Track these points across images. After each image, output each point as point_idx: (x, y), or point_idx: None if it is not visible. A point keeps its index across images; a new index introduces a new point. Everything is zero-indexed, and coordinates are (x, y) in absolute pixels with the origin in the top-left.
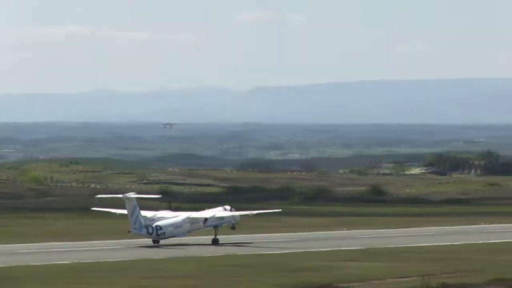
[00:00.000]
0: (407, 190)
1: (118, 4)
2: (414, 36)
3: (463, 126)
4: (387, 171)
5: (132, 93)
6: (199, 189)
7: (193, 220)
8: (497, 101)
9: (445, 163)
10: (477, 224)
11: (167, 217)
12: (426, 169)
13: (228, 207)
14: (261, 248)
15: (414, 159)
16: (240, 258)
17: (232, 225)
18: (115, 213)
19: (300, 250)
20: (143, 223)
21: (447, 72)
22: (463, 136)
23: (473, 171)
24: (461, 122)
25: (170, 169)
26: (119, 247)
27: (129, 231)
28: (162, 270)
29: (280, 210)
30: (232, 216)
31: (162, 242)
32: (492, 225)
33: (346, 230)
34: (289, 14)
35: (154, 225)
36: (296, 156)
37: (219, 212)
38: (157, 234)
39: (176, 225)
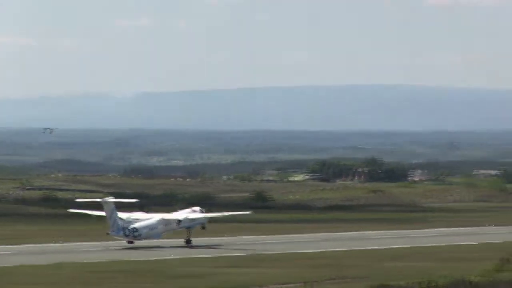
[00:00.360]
0: (291, 196)
1: (1, 9)
2: (299, 42)
3: (346, 133)
4: (270, 178)
5: (14, 99)
6: (83, 195)
7: (166, 222)
8: (380, 107)
9: (328, 170)
10: (360, 231)
11: (142, 219)
12: (310, 176)
13: (197, 209)
14: (145, 253)
15: (297, 166)
16: (127, 264)
17: (202, 226)
18: (91, 215)
19: (183, 256)
20: (121, 225)
21: (330, 79)
22: (346, 143)
23: (356, 178)
24: (344, 129)
25: (53, 175)
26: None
27: (107, 233)
28: (39, 276)
29: (250, 212)
30: (204, 218)
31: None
32: (376, 231)
33: (228, 236)
34: (172, 20)
35: (130, 227)
36: (180, 162)
37: (192, 214)
38: (134, 236)
39: (151, 227)
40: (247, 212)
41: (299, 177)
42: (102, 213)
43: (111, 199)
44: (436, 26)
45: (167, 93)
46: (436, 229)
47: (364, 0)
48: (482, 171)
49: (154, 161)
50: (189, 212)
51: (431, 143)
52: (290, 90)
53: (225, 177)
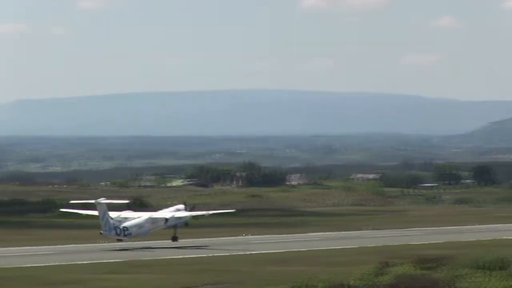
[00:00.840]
0: (169, 202)
1: None
2: (180, 49)
3: (224, 138)
4: (148, 183)
5: None
6: None
7: (154, 220)
8: (257, 112)
9: (207, 175)
10: (240, 235)
11: (131, 218)
12: (188, 181)
13: (182, 207)
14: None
15: (176, 171)
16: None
17: (186, 223)
18: (82, 214)
19: (59, 263)
20: (112, 225)
21: (211, 84)
22: (224, 148)
23: (234, 183)
24: (222, 134)
25: None
26: None
27: (101, 233)
28: None
29: (235, 210)
30: (189, 216)
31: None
32: (256, 236)
33: (107, 243)
34: (46, 27)
35: (121, 227)
36: (57, 168)
37: (178, 212)
38: (124, 235)
39: (139, 226)
40: (232, 210)
41: (177, 183)
42: (94, 213)
43: (104, 200)
44: (311, 32)
45: (43, 100)
46: (315, 233)
47: (238, 6)
48: (359, 175)
49: (32, 167)
50: (175, 211)
51: (309, 147)
52: (169, 96)
53: (103, 183)
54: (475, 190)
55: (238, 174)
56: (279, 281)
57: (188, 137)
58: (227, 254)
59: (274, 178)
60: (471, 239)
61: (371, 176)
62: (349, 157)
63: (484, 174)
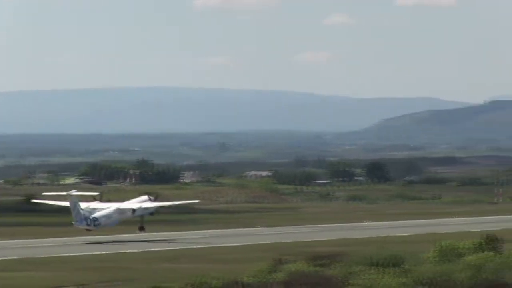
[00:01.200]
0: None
1: None
2: (76, 45)
3: (119, 136)
4: (42, 181)
5: None
6: None
7: (122, 211)
8: (151, 109)
9: (100, 172)
10: (135, 233)
11: (99, 208)
12: (81, 179)
13: (146, 197)
14: None
15: (69, 169)
16: None
17: (152, 213)
18: (53, 205)
19: None
20: (83, 216)
21: (101, 82)
22: (117, 145)
23: (128, 180)
24: (117, 132)
25: None
26: None
27: (72, 223)
28: None
29: (199, 201)
30: (155, 206)
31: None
32: (149, 233)
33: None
34: None
35: (91, 217)
36: None
37: (145, 203)
38: (94, 225)
39: (108, 216)
40: (196, 201)
41: (70, 180)
42: (65, 204)
43: (75, 193)
44: (205, 30)
45: None
46: (209, 231)
47: (131, 2)
48: (253, 172)
49: None
50: (141, 201)
51: (203, 145)
52: (64, 93)
53: None
54: (368, 187)
55: (131, 171)
56: (172, 279)
57: (83, 135)
58: (123, 251)
59: (167, 176)
60: (364, 236)
61: (264, 173)
62: (243, 155)
63: (377, 171)
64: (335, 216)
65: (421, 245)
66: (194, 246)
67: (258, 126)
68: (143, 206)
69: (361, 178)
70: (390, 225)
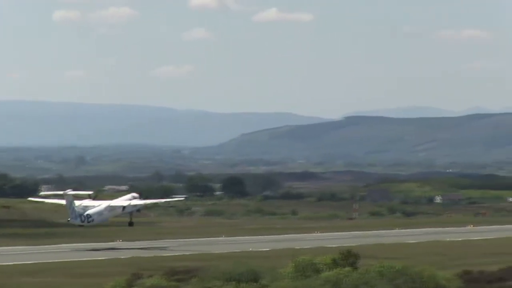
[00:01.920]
0: None
1: None
2: None
3: None
4: None
5: None
6: None
7: (112, 208)
8: (4, 123)
9: None
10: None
11: (91, 206)
12: None
13: (136, 194)
14: None
15: None
16: None
17: (138, 209)
18: (48, 203)
19: None
20: (78, 213)
21: None
22: None
23: None
24: None
25: None
26: None
27: (68, 220)
28: None
29: (185, 197)
30: (143, 203)
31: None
32: (7, 247)
33: None
34: None
35: (85, 214)
36: None
37: (135, 201)
38: (88, 221)
39: (100, 213)
40: (182, 198)
41: None
42: (61, 202)
43: (71, 192)
44: (63, 43)
45: None
46: (66, 245)
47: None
48: (111, 187)
49: None
50: (130, 199)
51: (61, 159)
52: None
53: None
54: (226, 202)
55: None
56: None
57: None
58: None
59: (25, 189)
60: (222, 251)
61: (122, 187)
62: (101, 169)
63: (235, 186)
64: (193, 231)
65: (279, 260)
66: (53, 260)
67: (116, 140)
68: (132, 203)
69: (218, 193)
70: (248, 240)
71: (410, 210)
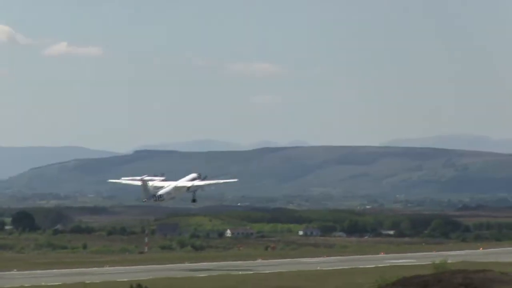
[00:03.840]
0: None
1: None
2: None
3: None
4: None
5: None
6: None
7: (179, 189)
8: None
9: None
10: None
11: (161, 187)
12: None
13: (197, 175)
14: None
15: None
16: None
17: (202, 188)
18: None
19: None
20: (151, 194)
21: None
22: None
23: None
24: None
25: None
26: None
27: (144, 201)
28: None
29: (236, 180)
30: (205, 184)
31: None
32: None
33: None
34: None
35: (157, 195)
36: None
37: (197, 181)
38: (160, 200)
39: (169, 193)
40: (234, 180)
41: None
42: (136, 183)
43: (147, 177)
44: None
45: None
46: None
47: None
48: None
49: None
50: (193, 179)
51: None
52: None
53: None
54: (16, 236)
55: None
56: None
57: None
58: None
59: None
60: (14, 285)
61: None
62: None
63: (25, 220)
64: None
65: None
66: None
67: None
68: (195, 184)
69: (8, 227)
70: (40, 274)
71: (200, 244)
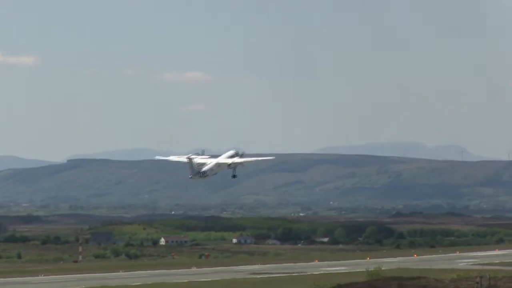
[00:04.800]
0: None
1: None
2: None
3: None
4: None
5: None
6: None
7: (220, 165)
8: None
9: None
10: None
11: (204, 164)
12: None
13: (234, 152)
14: None
15: None
16: None
17: (242, 164)
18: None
19: None
20: (196, 171)
21: None
22: None
23: None
24: None
25: None
26: None
27: (190, 177)
28: None
29: (273, 157)
30: (243, 160)
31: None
32: None
33: None
34: None
35: (201, 171)
36: None
37: (236, 158)
38: (204, 176)
39: (211, 169)
40: (271, 158)
41: None
42: (183, 160)
43: (193, 156)
44: None
45: None
46: None
47: None
48: None
49: None
50: (232, 156)
51: None
52: None
53: None
54: None
55: None
56: None
57: None
58: None
59: None
60: None
61: None
62: None
63: None
64: None
65: None
66: None
67: None
68: (235, 161)
69: None
70: None
71: (134, 253)
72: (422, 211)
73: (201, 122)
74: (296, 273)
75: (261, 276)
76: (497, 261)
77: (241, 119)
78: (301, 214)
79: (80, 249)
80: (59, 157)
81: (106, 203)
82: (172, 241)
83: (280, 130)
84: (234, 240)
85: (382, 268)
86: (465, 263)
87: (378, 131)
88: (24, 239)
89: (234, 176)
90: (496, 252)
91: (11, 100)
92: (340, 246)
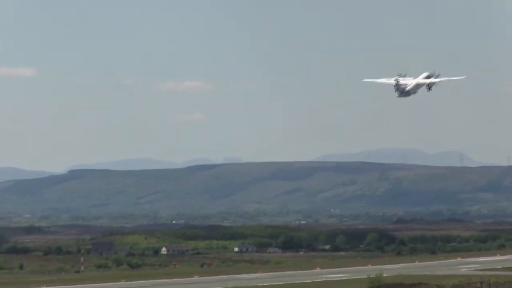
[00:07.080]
0: None
1: None
2: None
3: None
4: None
5: None
6: None
7: (419, 85)
8: None
9: None
10: None
11: (405, 83)
12: None
13: (428, 73)
14: None
15: None
16: None
17: (430, 87)
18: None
19: None
20: (400, 90)
21: None
22: None
23: None
24: None
25: None
26: None
27: (397, 97)
28: None
29: (464, 76)
30: (437, 81)
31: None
32: None
33: None
34: None
35: (405, 90)
36: None
37: (431, 78)
38: (407, 95)
39: (413, 88)
40: (462, 77)
41: None
42: (391, 82)
43: (399, 77)
44: None
45: None
46: None
47: None
48: None
49: None
50: (427, 77)
51: None
52: None
53: None
54: None
55: None
56: None
57: None
58: None
59: None
60: None
61: None
62: None
63: None
64: None
65: None
66: None
67: None
68: (433, 80)
69: None
70: None
71: (136, 262)
72: (423, 218)
73: (200, 131)
74: (298, 281)
75: (262, 284)
76: (499, 267)
77: (241, 127)
78: (302, 222)
79: (82, 259)
80: (60, 168)
81: (107, 213)
82: (174, 250)
83: (280, 138)
84: (236, 249)
85: (384, 275)
86: (466, 269)
87: (378, 138)
88: (25, 250)
89: (429, 89)
90: (498, 257)
91: (11, 111)
92: (342, 253)
